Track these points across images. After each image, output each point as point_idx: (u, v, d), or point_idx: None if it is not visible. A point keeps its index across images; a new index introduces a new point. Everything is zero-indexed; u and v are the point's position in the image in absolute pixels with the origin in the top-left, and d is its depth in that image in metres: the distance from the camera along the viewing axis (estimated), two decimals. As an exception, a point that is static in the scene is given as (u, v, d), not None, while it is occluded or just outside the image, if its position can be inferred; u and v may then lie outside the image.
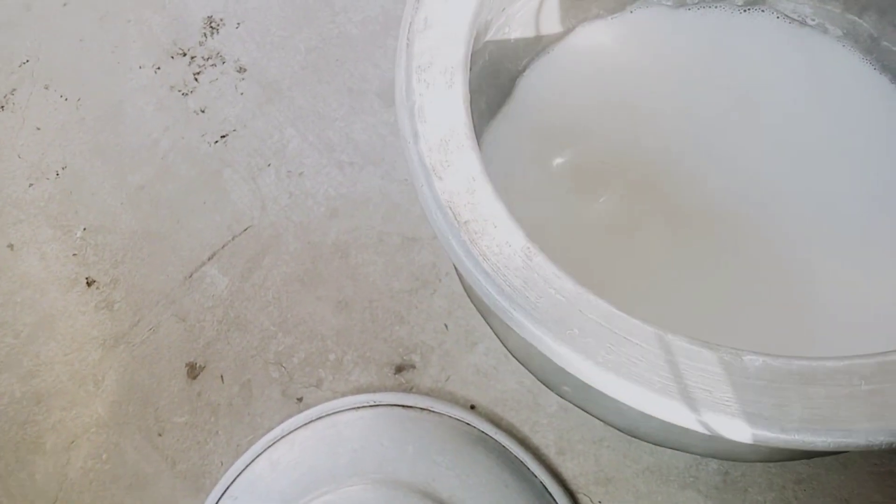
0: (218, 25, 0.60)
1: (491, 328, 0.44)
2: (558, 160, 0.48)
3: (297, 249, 0.54)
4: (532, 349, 0.36)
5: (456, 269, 0.45)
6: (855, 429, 0.26)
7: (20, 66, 0.62)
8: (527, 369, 0.44)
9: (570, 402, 0.42)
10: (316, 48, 0.59)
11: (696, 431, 0.28)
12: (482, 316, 0.44)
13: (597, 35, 0.51)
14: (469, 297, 0.46)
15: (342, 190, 0.55)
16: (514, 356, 0.44)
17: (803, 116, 0.48)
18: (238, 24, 0.60)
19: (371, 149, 0.57)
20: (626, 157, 0.48)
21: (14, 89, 0.61)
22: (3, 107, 0.60)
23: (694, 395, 0.27)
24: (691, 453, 0.44)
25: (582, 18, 0.50)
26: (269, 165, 0.56)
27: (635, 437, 0.43)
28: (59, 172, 0.57)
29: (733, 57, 0.50)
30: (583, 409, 0.42)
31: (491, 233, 0.31)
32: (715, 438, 0.28)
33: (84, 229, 0.55)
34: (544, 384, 0.43)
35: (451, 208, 0.31)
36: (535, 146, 0.48)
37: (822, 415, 0.27)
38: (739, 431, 0.27)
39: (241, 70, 0.59)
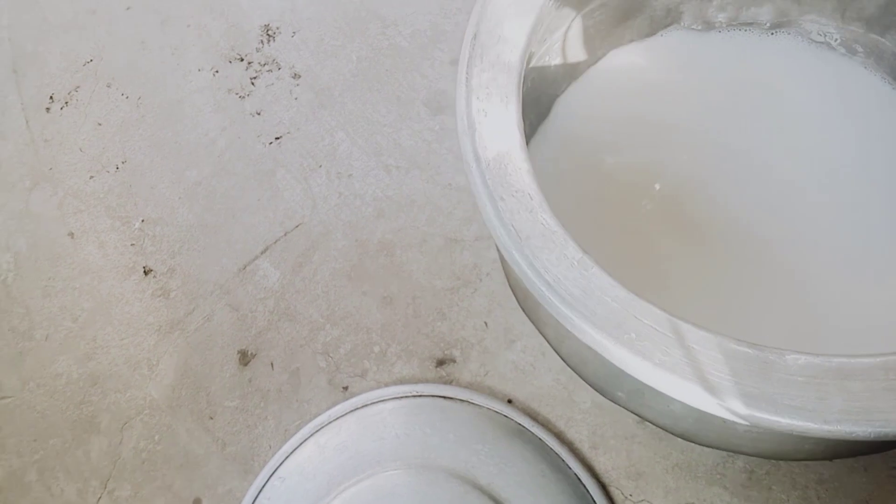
0: (274, 33, 0.64)
1: (545, 337, 0.46)
2: (591, 174, 0.51)
3: (345, 246, 0.56)
4: (586, 355, 0.38)
5: (508, 276, 0.48)
6: (893, 419, 0.29)
7: (84, 66, 0.65)
8: (581, 376, 0.46)
9: (624, 406, 0.44)
10: (367, 58, 0.62)
11: (747, 430, 0.30)
12: (535, 325, 0.46)
13: (629, 58, 0.54)
14: (522, 307, 0.48)
15: (389, 192, 0.58)
16: (567, 363, 0.46)
17: (827, 135, 0.51)
18: (293, 32, 0.64)
19: (417, 154, 0.60)
20: (657, 172, 0.51)
21: (78, 87, 0.64)
22: (67, 103, 0.63)
23: (744, 391, 0.30)
24: (741, 453, 0.46)
25: (615, 44, 0.54)
26: (320, 167, 0.59)
27: (688, 439, 0.45)
28: (119, 166, 0.60)
29: (761, 78, 0.53)
30: (637, 414, 0.44)
31: (550, 247, 0.34)
32: (763, 435, 0.30)
33: (142, 220, 0.58)
34: (598, 390, 0.46)
35: (513, 226, 0.34)
36: (570, 161, 0.51)
37: (861, 406, 0.29)
38: (785, 424, 0.29)
39: (296, 76, 0.62)
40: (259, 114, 0.61)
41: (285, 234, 0.57)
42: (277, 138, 0.60)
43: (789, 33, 0.53)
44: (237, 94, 0.62)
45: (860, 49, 0.52)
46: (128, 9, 0.67)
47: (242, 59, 0.63)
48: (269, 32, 0.64)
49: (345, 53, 0.63)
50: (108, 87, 0.64)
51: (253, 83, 0.62)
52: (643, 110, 0.52)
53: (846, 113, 0.51)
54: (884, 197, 0.48)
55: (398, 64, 0.62)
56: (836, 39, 0.52)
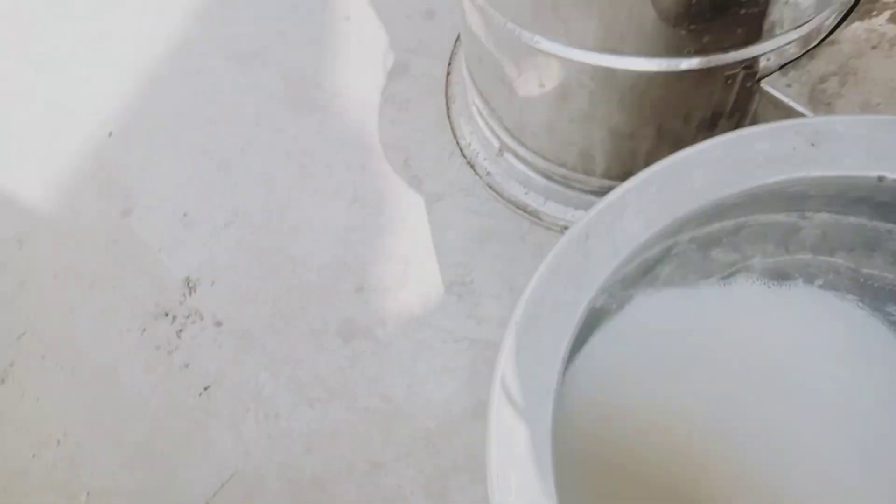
0: (195, 285, 0.71)
1: None
2: (580, 450, 0.45)
3: (280, 488, 0.62)
4: None
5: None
6: None
7: (17, 339, 0.70)
8: None
9: None
10: (281, 298, 0.70)
11: None
12: None
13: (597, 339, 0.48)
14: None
15: (314, 426, 0.64)
16: None
17: (803, 381, 0.47)
18: (213, 282, 0.71)
19: (335, 382, 0.66)
20: (651, 441, 0.46)
21: (12, 363, 0.69)
22: (3, 380, 0.68)
23: None
24: None
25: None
26: (248, 411, 0.65)
27: None
28: (60, 440, 0.65)
29: (720, 331, 0.49)
30: None
31: None
32: None
33: (87, 493, 0.62)
34: None
35: None
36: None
37: None
38: None
39: (218, 324, 0.69)
40: (187, 366, 0.67)
41: (222, 486, 0.62)
42: (206, 388, 0.66)
43: (742, 272, 0.50)
44: (165, 349, 0.68)
45: (818, 273, 0.50)
46: (55, 276, 0.73)
47: (167, 314, 0.70)
48: (190, 284, 0.71)
49: (261, 296, 0.70)
50: (43, 358, 0.68)
51: (179, 336, 0.69)
52: (624, 389, 0.47)
53: (823, 350, 0.48)
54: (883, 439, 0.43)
55: (309, 299, 0.70)
56: (792, 270, 0.50)
